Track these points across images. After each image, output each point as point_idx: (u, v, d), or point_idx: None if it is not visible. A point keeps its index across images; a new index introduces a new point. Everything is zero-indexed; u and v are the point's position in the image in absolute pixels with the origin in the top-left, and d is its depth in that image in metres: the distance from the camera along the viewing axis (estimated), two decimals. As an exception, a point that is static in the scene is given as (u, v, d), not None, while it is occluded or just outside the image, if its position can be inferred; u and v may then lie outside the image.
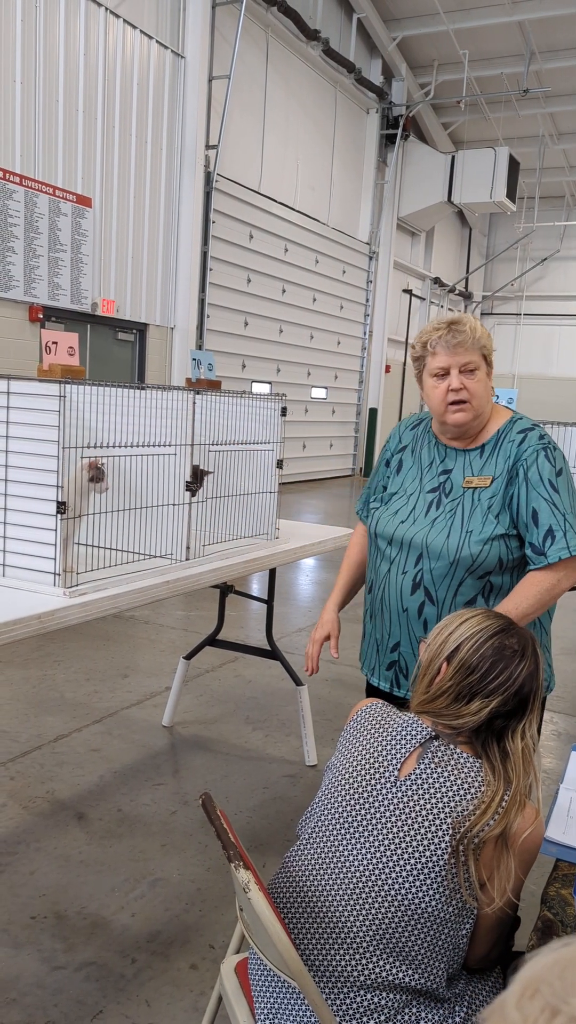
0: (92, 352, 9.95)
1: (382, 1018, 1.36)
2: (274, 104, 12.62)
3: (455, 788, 1.40)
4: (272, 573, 3.46)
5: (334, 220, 14.84)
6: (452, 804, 1.39)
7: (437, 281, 19.31)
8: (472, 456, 2.08)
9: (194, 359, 2.93)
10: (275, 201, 12.87)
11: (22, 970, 2.16)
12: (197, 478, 2.62)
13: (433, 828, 1.38)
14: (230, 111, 11.25)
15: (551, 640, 2.19)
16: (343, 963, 1.39)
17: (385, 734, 1.51)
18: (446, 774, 1.42)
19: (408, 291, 18.07)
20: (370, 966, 1.38)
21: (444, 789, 1.41)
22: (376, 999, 1.37)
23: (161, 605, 5.80)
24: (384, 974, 1.37)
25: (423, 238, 18.53)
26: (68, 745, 3.50)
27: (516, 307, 21.58)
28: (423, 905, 1.36)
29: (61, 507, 2.15)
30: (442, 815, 1.39)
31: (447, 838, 1.36)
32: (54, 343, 2.36)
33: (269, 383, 13.40)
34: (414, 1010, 1.37)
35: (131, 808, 3.02)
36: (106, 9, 9.25)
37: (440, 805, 1.40)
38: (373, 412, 16.61)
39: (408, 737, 1.49)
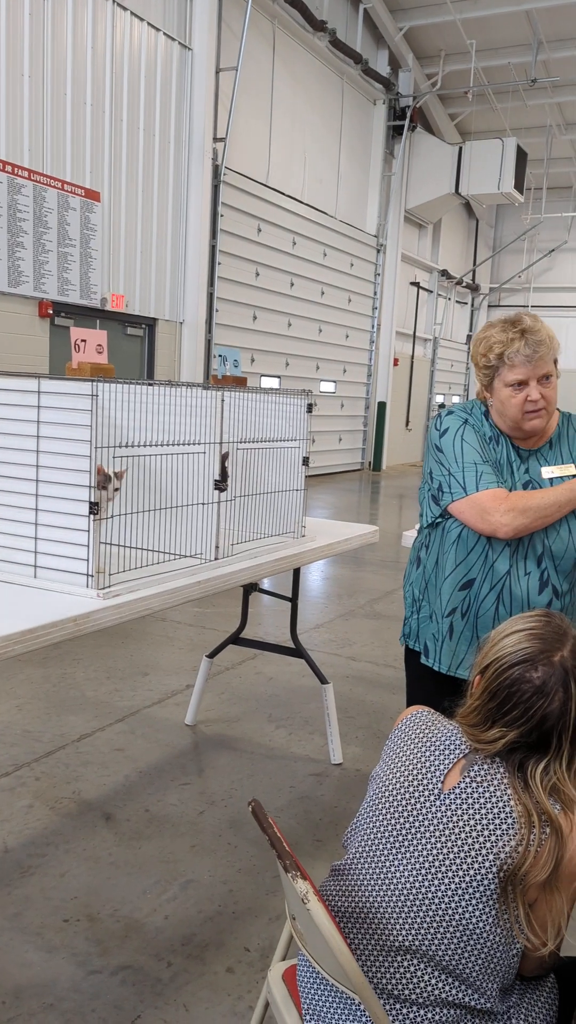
0: (102, 347, 9.92)
1: (437, 1032, 1.34)
2: (281, 96, 12.55)
3: (496, 810, 1.35)
4: (296, 572, 3.43)
5: (342, 213, 14.77)
6: (493, 827, 1.33)
7: (444, 273, 19.23)
8: (542, 452, 2.22)
9: (220, 355, 2.90)
10: (283, 194, 12.81)
11: (58, 974, 2.14)
12: (224, 472, 2.59)
13: (476, 847, 1.33)
14: (237, 103, 11.19)
15: None
16: (395, 979, 1.35)
17: (429, 744, 1.47)
18: (488, 793, 1.36)
19: (416, 284, 18.00)
20: (421, 984, 1.34)
21: (487, 808, 1.35)
22: (428, 1015, 1.34)
23: (177, 602, 5.78)
24: (436, 991, 1.34)
25: (430, 230, 18.45)
26: (92, 745, 3.48)
27: (524, 299, 21.49)
28: (472, 923, 1.32)
29: (94, 508, 2.12)
30: (484, 835, 1.33)
31: (488, 863, 1.31)
32: (83, 341, 2.33)
33: (278, 377, 13.35)
34: (468, 1025, 1.34)
35: (158, 808, 3.01)
36: (113, 1, 9.19)
37: (484, 823, 1.34)
38: (382, 406, 16.56)
39: (452, 748, 1.44)
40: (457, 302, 20.83)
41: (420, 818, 1.39)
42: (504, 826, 1.32)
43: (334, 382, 15.22)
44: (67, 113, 8.84)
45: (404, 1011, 1.34)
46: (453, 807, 1.37)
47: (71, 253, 9.01)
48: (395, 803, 1.43)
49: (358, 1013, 1.37)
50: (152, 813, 2.97)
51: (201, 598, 5.87)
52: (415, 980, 1.34)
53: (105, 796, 3.07)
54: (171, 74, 10.25)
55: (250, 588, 3.49)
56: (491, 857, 1.30)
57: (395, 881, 1.38)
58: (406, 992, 1.34)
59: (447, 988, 1.34)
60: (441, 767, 1.42)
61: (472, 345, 2.22)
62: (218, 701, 4.05)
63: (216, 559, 2.60)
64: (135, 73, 9.69)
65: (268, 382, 13.10)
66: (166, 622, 5.32)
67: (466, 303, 21.53)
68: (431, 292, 19.03)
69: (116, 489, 2.25)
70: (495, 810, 1.34)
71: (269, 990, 1.59)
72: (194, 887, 2.56)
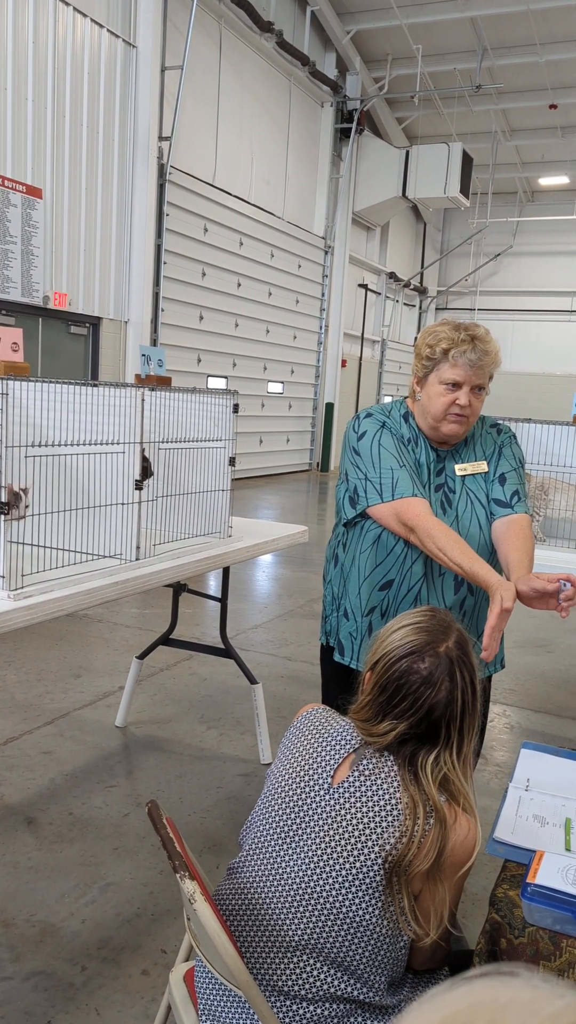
0: (44, 346, 9.79)
1: (327, 1028, 1.34)
2: (228, 96, 12.52)
3: (383, 802, 1.37)
4: (226, 571, 3.43)
5: (289, 214, 14.80)
6: (380, 819, 1.35)
7: (392, 276, 19.39)
8: (458, 450, 2.27)
9: (144, 355, 2.88)
10: (230, 194, 12.78)
11: (-32, 982, 2.11)
12: (146, 473, 2.58)
13: (363, 839, 1.35)
14: (183, 103, 11.14)
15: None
16: (285, 975, 1.36)
17: (321, 740, 1.48)
18: (375, 786, 1.38)
19: (363, 286, 18.11)
20: (311, 979, 1.35)
21: (373, 801, 1.37)
22: (319, 1011, 1.35)
23: (115, 603, 5.73)
24: (325, 986, 1.35)
25: (378, 233, 18.58)
26: (18, 748, 3.43)
27: (470, 302, 21.77)
28: (358, 916, 1.33)
29: (5, 508, 2.10)
30: (370, 827, 1.35)
31: (374, 855, 1.33)
32: (-3, 339, 2.30)
33: (225, 377, 13.32)
34: (358, 1019, 1.35)
35: (83, 811, 2.98)
36: (55, -4, 9.07)
37: (371, 815, 1.36)
38: (329, 407, 16.62)
39: (343, 743, 1.46)
40: (405, 304, 21.02)
41: (309, 812, 1.41)
42: (390, 818, 1.34)
43: (282, 383, 15.23)
44: (7, 108, 8.70)
45: (295, 1008, 1.35)
46: (341, 800, 1.38)
47: (12, 250, 8.87)
48: (286, 799, 1.44)
49: (251, 1012, 1.37)
50: (76, 816, 2.94)
51: (140, 599, 5.83)
52: (304, 975, 1.35)
53: (28, 800, 3.03)
54: (115, 71, 10.15)
55: (179, 589, 3.48)
56: (376, 848, 1.32)
57: (285, 877, 1.39)
58: (296, 988, 1.35)
59: (336, 983, 1.35)
60: (332, 762, 1.43)
61: (420, 335, 2.24)
62: (151, 702, 4.02)
63: (137, 559, 2.58)
64: (78, 69, 9.58)
65: (215, 382, 13.06)
66: (103, 623, 5.27)
67: (414, 305, 21.74)
68: (379, 294, 19.17)
69: (27, 505, 2.21)
70: (381, 802, 1.36)
71: (170, 992, 1.59)
72: (114, 890, 2.54)
